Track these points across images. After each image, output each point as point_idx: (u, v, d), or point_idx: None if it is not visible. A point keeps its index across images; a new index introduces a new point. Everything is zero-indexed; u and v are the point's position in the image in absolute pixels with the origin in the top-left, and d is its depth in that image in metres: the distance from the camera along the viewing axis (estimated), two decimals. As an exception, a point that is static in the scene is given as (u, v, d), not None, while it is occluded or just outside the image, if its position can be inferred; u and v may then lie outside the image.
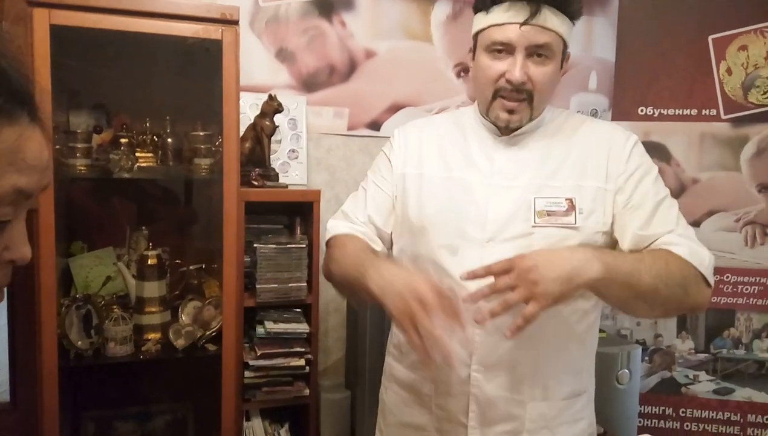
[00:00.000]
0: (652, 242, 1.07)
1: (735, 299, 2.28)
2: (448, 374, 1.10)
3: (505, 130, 1.13)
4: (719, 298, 2.29)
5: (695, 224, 2.28)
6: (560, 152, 1.13)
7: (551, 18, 1.03)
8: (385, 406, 1.25)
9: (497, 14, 1.05)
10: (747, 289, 2.27)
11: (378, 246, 1.20)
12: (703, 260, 1.04)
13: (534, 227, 1.07)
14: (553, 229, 1.07)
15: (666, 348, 2.35)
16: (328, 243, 1.23)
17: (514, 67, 1.04)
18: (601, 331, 2.24)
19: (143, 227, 1.84)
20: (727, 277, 2.28)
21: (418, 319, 0.91)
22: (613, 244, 1.11)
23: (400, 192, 1.19)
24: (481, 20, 1.08)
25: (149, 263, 1.69)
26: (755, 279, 2.26)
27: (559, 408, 1.13)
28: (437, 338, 0.90)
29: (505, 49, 1.05)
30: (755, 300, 2.27)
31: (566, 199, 1.08)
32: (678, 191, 2.29)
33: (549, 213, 1.08)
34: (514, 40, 1.04)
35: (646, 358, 2.33)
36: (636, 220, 1.07)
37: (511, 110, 1.08)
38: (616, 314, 2.36)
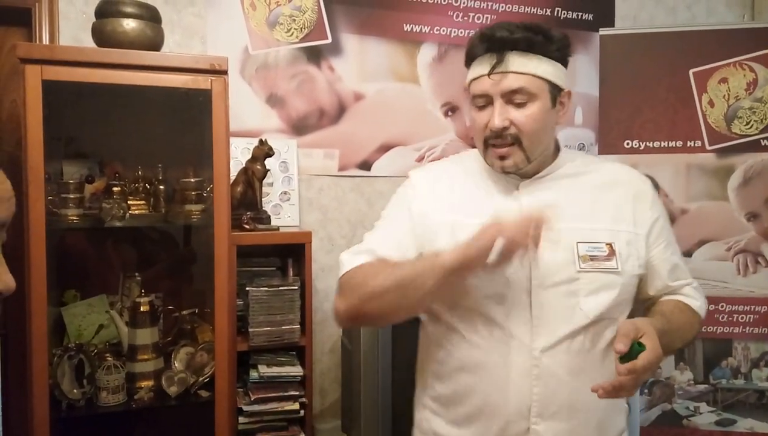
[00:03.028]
0: (673, 291, 1.17)
1: (731, 328, 2.28)
2: (503, 429, 1.08)
3: (526, 174, 1.14)
4: (716, 327, 2.28)
5: (687, 253, 2.29)
6: (588, 196, 1.14)
7: (522, 62, 1.06)
8: None
9: (474, 68, 1.11)
10: (743, 318, 2.27)
11: None
12: (704, 307, 1.20)
13: (579, 272, 1.08)
14: (597, 273, 1.08)
15: (665, 380, 2.33)
16: (344, 277, 1.13)
17: (493, 116, 1.08)
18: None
19: (136, 274, 1.85)
20: (722, 306, 2.28)
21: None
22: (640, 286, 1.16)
23: (426, 239, 1.13)
24: (468, 75, 1.13)
25: (142, 309, 1.69)
26: (750, 308, 2.26)
27: None
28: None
29: (485, 100, 1.09)
30: (751, 329, 2.26)
31: (606, 244, 1.10)
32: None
33: (592, 257, 1.09)
34: (488, 90, 1.08)
35: (645, 390, 2.31)
36: (664, 269, 1.15)
37: (502, 156, 1.10)
38: (613, 346, 2.34)
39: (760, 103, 2.25)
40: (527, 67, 1.07)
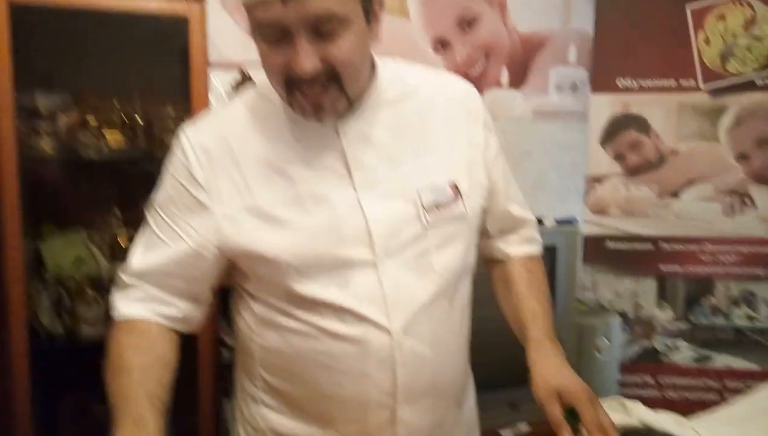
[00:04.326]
0: (513, 230, 1.11)
1: (714, 267, 2.30)
2: (363, 425, 0.95)
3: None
4: (698, 267, 2.30)
5: (674, 194, 2.29)
6: (417, 123, 0.96)
7: None
8: None
9: None
10: (726, 258, 2.28)
11: (186, 326, 0.98)
12: (540, 243, 1.15)
13: (426, 227, 0.93)
14: (444, 226, 0.95)
15: (646, 318, 2.36)
16: (111, 331, 0.93)
17: (297, 57, 0.80)
18: (580, 302, 2.27)
19: (115, 208, 1.82)
20: (706, 246, 2.29)
21: None
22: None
23: (223, 238, 0.91)
24: None
25: (121, 244, 1.67)
26: (733, 248, 2.28)
27: (471, 408, 1.13)
28: None
29: (278, 31, 0.80)
30: (734, 269, 2.29)
31: (450, 186, 0.95)
32: (657, 162, 2.29)
33: (437, 206, 0.94)
34: (283, 19, 0.78)
35: (627, 328, 2.35)
36: (502, 194, 1.06)
37: (317, 105, 0.85)
38: (596, 286, 2.37)
39: (758, 41, 2.19)
40: None
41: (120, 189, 1.87)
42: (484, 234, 1.11)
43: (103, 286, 1.70)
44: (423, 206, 0.93)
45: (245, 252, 0.92)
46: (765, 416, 1.12)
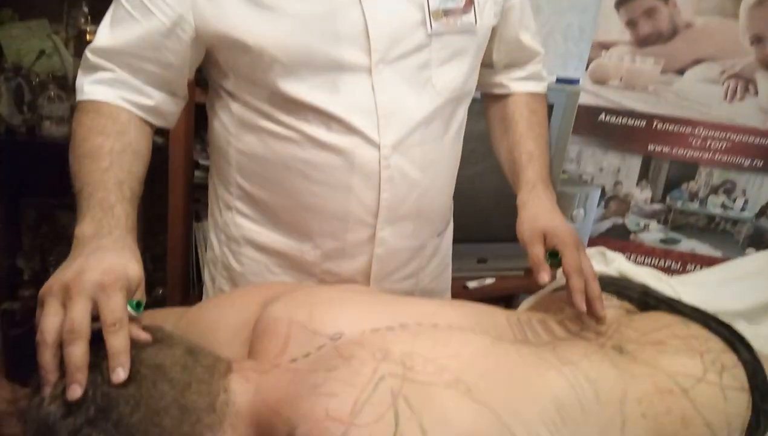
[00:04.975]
0: (520, 63, 1.04)
1: (701, 153, 2.26)
2: (341, 241, 0.92)
3: None
4: (686, 150, 2.26)
5: (679, 72, 2.19)
6: None
7: None
8: (234, 273, 0.99)
9: None
10: (715, 144, 2.24)
11: (160, 119, 0.88)
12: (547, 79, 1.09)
13: (431, 35, 0.85)
14: (451, 36, 0.87)
15: (623, 196, 2.36)
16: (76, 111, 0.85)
17: None
18: (563, 172, 2.24)
19: (83, 2, 1.64)
20: (699, 130, 2.24)
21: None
22: None
23: (201, 18, 0.81)
24: None
25: (88, 39, 1.52)
26: (725, 135, 2.23)
27: (448, 245, 1.09)
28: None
29: None
30: (721, 156, 2.26)
31: None
32: (669, 35, 2.17)
33: (446, 12, 0.85)
34: None
35: (603, 204, 2.35)
36: (515, 16, 0.98)
37: None
38: (580, 158, 2.33)
39: None
40: None
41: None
42: (487, 65, 1.02)
43: (68, 84, 1.57)
44: (430, 11, 0.84)
45: (225, 37, 0.82)
46: (739, 282, 1.12)
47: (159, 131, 1.66)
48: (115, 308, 0.57)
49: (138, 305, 0.62)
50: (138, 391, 0.57)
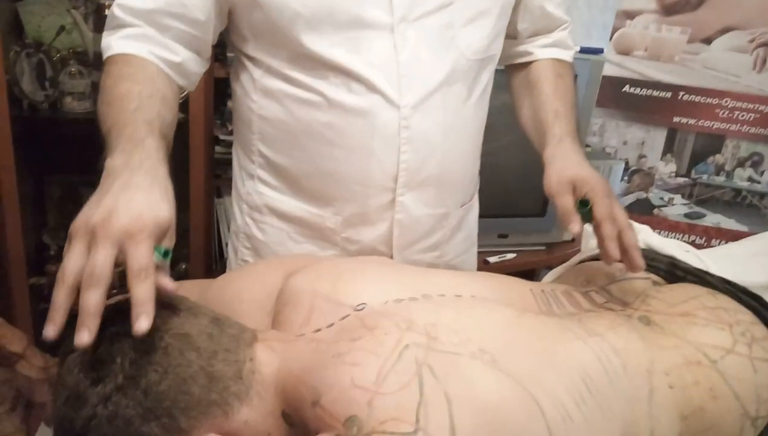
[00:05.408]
0: (545, 31, 1.01)
1: (728, 124, 2.21)
2: (362, 205, 0.91)
3: None
4: (712, 122, 2.21)
5: (707, 41, 2.13)
6: None
7: None
8: (256, 242, 0.99)
9: None
10: (743, 115, 2.19)
11: (184, 78, 0.86)
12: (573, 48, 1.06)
13: None
14: None
15: (648, 169, 2.32)
16: (104, 66, 0.83)
17: None
18: (586, 146, 2.21)
19: (101, -24, 1.63)
20: (726, 101, 2.18)
21: None
22: None
23: None
24: None
25: (106, 14, 1.51)
26: (754, 106, 2.17)
27: (474, 218, 1.07)
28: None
29: None
30: (748, 128, 2.20)
31: None
32: (696, 3, 2.10)
33: None
34: None
35: (626, 178, 2.31)
36: None
37: None
38: (604, 131, 2.29)
39: None
40: None
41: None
42: (512, 36, 0.99)
43: (88, 60, 1.57)
44: None
45: None
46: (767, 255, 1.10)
47: (179, 107, 1.67)
48: (141, 257, 0.55)
49: (166, 253, 0.60)
50: (166, 359, 0.57)
